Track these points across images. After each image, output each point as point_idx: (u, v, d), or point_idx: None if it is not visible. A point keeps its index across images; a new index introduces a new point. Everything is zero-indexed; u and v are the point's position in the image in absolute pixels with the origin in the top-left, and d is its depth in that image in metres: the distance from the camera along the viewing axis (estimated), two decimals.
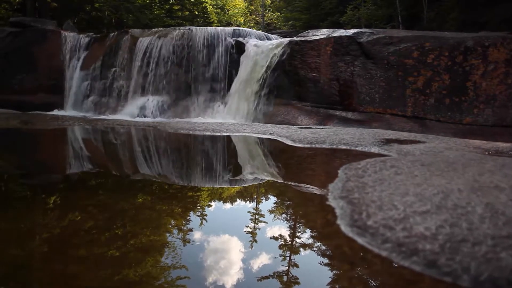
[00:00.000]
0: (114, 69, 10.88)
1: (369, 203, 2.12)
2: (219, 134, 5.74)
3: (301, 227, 2.00)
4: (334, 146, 4.53)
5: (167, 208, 2.34)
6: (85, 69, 11.23)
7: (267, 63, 9.90)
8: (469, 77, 7.96)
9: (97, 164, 3.95)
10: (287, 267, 1.55)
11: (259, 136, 5.49)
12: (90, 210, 2.24)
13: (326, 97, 9.50)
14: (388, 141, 4.74)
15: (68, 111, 10.58)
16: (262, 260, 1.61)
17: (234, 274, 1.48)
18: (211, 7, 24.53)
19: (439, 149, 3.95)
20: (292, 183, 2.90)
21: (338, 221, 1.97)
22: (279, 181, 3.02)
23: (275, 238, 1.85)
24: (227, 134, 5.74)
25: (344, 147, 4.49)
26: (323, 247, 1.72)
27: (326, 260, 1.60)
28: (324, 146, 4.57)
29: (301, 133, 5.42)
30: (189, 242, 1.78)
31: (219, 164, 3.81)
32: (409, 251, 1.54)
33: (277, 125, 7.44)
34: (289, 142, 4.82)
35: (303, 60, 9.76)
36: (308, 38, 9.89)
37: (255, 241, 1.82)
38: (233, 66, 10.25)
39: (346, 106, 9.27)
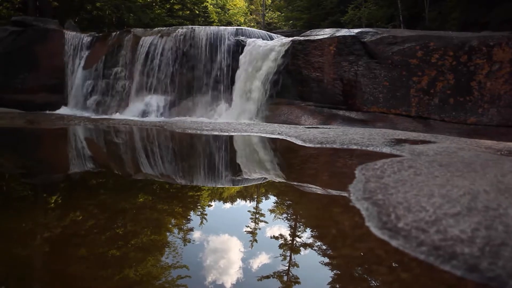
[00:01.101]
0: (116, 68, 10.83)
1: (395, 205, 2.10)
2: (227, 133, 5.71)
3: (331, 228, 1.97)
4: (345, 146, 4.51)
5: (202, 211, 2.32)
6: (88, 68, 11.17)
7: (270, 63, 9.88)
8: (474, 77, 7.95)
9: (109, 164, 3.91)
10: (323, 270, 1.53)
11: (268, 136, 5.46)
12: (109, 208, 2.21)
13: (330, 96, 9.48)
14: (398, 141, 4.73)
15: (71, 111, 10.52)
16: (286, 259, 1.59)
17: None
18: (211, 6, 24.46)
19: (452, 150, 3.94)
20: (310, 185, 2.88)
21: (367, 223, 1.95)
22: (297, 182, 2.99)
23: (302, 239, 1.82)
24: (235, 133, 5.71)
25: (355, 147, 4.47)
26: (357, 250, 1.69)
27: (363, 263, 1.58)
28: (334, 146, 4.55)
29: (309, 133, 5.40)
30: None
31: (233, 165, 3.78)
32: (447, 254, 1.52)
33: (284, 124, 7.42)
34: (299, 142, 4.79)
35: (306, 59, 9.74)
36: (311, 38, 9.87)
37: (279, 241, 1.79)
38: (236, 65, 10.22)
39: (350, 106, 9.25)
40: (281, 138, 5.20)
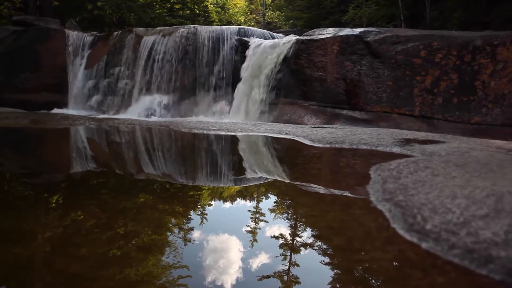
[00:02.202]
0: (118, 68, 10.76)
1: (419, 206, 2.07)
2: (234, 133, 5.68)
3: (357, 230, 1.95)
4: (355, 146, 4.49)
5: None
6: (89, 68, 11.09)
7: (273, 62, 9.84)
8: (478, 76, 7.92)
9: (124, 164, 3.86)
10: (357, 272, 1.50)
11: (275, 136, 5.43)
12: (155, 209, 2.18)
13: (333, 96, 9.44)
14: (407, 141, 4.71)
15: (73, 110, 10.43)
16: (317, 259, 1.57)
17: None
18: (211, 6, 24.40)
19: (464, 150, 3.92)
20: (327, 186, 2.85)
21: (392, 225, 1.92)
22: (313, 184, 2.96)
23: (331, 241, 1.80)
24: (242, 133, 5.67)
25: (364, 147, 4.45)
26: (388, 253, 1.67)
27: (396, 266, 1.55)
28: (344, 146, 4.52)
29: (317, 132, 5.37)
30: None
31: (246, 166, 3.75)
32: (483, 258, 1.49)
33: (290, 124, 7.39)
34: (308, 142, 4.77)
35: (309, 59, 9.70)
36: (314, 37, 9.83)
37: (309, 240, 1.77)
38: (238, 65, 10.18)
39: (353, 105, 9.22)
40: (289, 138, 5.17)
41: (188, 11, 20.77)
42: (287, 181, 3.10)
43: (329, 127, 6.69)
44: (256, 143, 5.15)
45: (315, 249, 1.73)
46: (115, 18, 17.31)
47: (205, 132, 5.77)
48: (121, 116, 9.35)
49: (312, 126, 7.15)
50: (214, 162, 3.84)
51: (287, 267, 1.55)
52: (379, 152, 4.19)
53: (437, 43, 8.32)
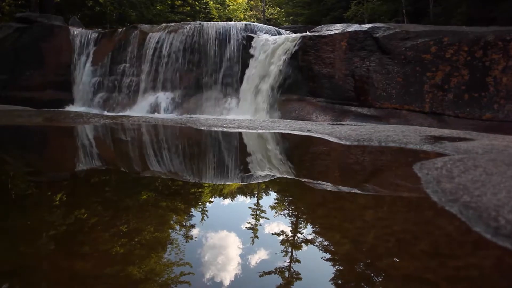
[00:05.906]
0: (123, 65, 10.60)
1: (495, 208, 2.00)
2: (255, 131, 5.57)
3: (437, 234, 1.86)
4: (383, 144, 4.41)
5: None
6: (94, 65, 10.92)
7: (280, 59, 9.75)
8: (489, 72, 7.90)
9: (167, 164, 3.73)
10: (466, 281, 1.42)
11: (299, 134, 5.34)
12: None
13: (341, 93, 9.39)
14: (435, 139, 4.65)
15: (79, 108, 10.28)
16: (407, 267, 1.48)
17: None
18: (212, 2, 24.23)
19: (500, 147, 3.86)
20: (379, 185, 2.77)
21: (474, 228, 1.84)
22: (365, 184, 2.87)
23: (417, 245, 1.71)
24: (264, 131, 5.56)
25: (393, 144, 4.38)
26: (487, 259, 1.59)
27: (505, 275, 1.47)
28: (372, 144, 4.45)
29: (340, 130, 5.29)
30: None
31: (292, 166, 3.65)
32: None
33: (308, 121, 7.30)
34: (334, 140, 4.68)
35: (317, 55, 9.62)
36: (322, 33, 9.75)
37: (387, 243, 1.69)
38: (245, 61, 10.08)
39: (362, 102, 9.17)
40: (314, 136, 5.08)
41: (189, 8, 20.65)
42: (334, 183, 3.00)
43: (348, 124, 6.62)
44: (284, 141, 5.02)
45: (403, 255, 1.64)
46: (115, 15, 17.12)
47: (225, 130, 5.66)
48: (129, 113, 9.20)
49: (331, 123, 7.08)
50: (258, 162, 3.73)
51: (370, 275, 1.46)
52: (411, 150, 4.12)
53: (447, 38, 8.28)
